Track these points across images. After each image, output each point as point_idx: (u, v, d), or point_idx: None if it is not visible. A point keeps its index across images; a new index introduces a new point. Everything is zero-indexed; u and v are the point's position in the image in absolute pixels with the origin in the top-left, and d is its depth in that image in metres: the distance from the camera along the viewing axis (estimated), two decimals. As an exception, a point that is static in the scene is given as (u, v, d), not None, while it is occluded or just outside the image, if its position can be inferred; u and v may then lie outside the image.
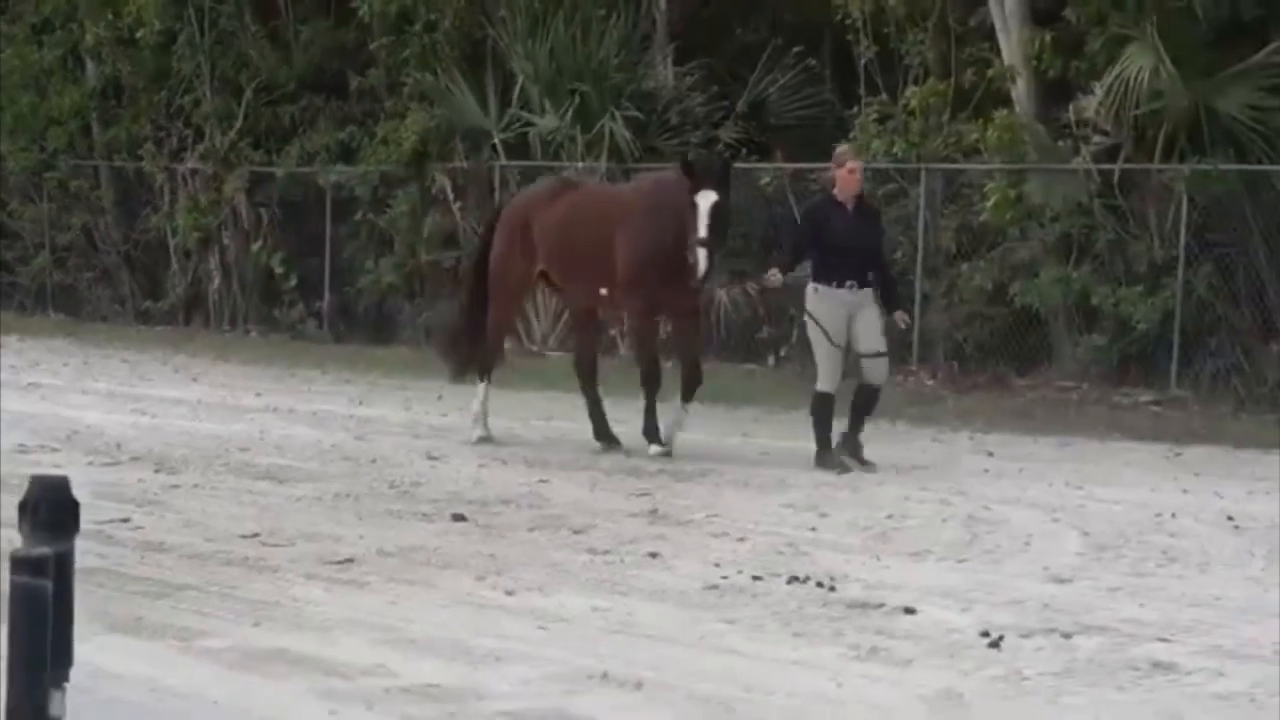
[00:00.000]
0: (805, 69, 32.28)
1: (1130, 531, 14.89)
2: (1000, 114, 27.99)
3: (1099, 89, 26.79)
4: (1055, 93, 28.21)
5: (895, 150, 28.95)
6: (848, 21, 30.41)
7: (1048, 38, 27.66)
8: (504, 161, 34.38)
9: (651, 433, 19.48)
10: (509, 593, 11.92)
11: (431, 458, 18.83)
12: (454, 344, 21.87)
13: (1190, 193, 26.01)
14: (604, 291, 19.89)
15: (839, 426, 18.56)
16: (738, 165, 29.80)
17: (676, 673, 9.79)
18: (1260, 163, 25.86)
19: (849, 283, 18.25)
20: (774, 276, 18.50)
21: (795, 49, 32.13)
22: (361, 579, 12.41)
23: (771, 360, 29.70)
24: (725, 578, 12.51)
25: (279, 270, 38.68)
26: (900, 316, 19.14)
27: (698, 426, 20.39)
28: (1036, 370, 27.49)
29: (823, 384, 18.41)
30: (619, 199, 21.08)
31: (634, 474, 17.80)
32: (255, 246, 39.19)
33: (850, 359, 18.81)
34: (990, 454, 19.96)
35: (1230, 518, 15.59)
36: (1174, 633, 10.99)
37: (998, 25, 28.60)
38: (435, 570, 12.72)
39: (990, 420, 23.46)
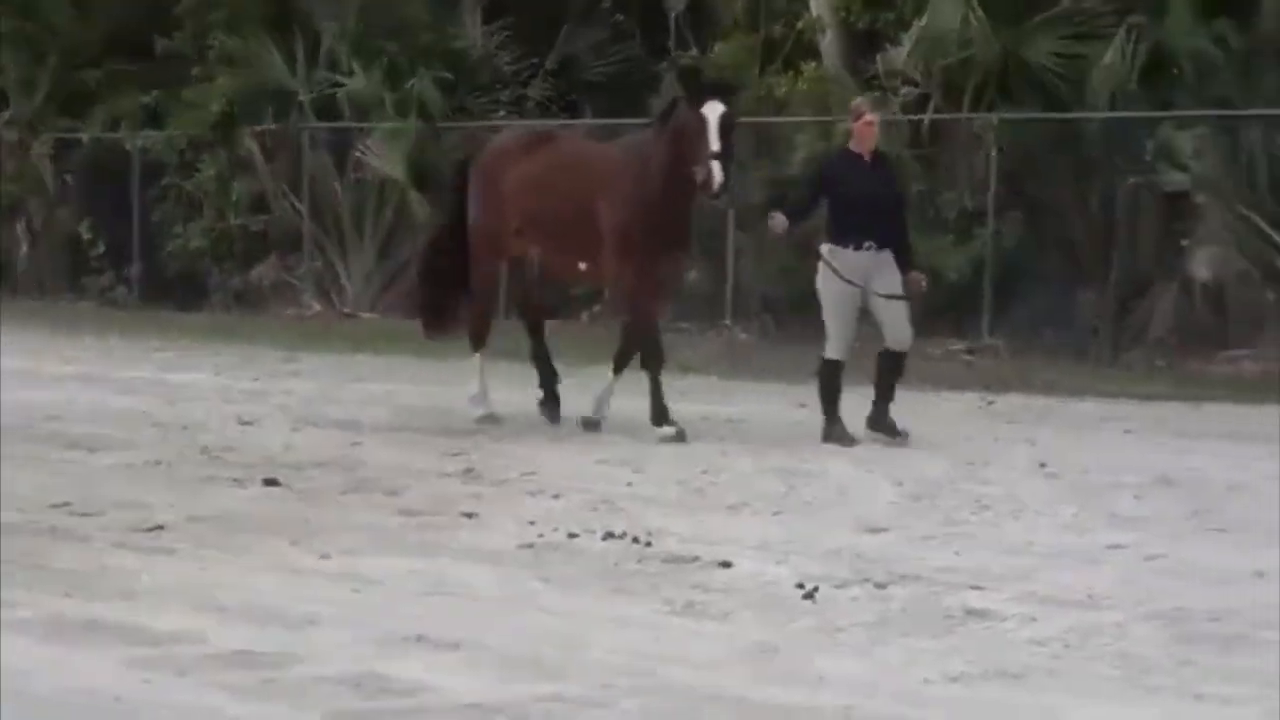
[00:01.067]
0: (614, 25, 32.33)
1: (943, 480, 15.01)
2: (809, 67, 28.26)
3: (907, 40, 27.04)
4: (864, 44, 28.49)
5: (705, 105, 28.93)
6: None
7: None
8: (313, 124, 34.19)
9: (660, 415, 17.51)
10: (323, 557, 11.82)
11: (243, 422, 18.66)
12: (432, 304, 19.77)
13: (999, 142, 26.28)
14: (583, 266, 18.53)
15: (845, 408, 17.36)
16: (549, 121, 30.04)
17: (493, 633, 9.76)
18: (1068, 110, 26.10)
19: (867, 243, 16.87)
20: (778, 220, 17.10)
21: (603, 4, 32.15)
22: (173, 546, 12.24)
23: (585, 317, 29.65)
24: (541, 536, 12.47)
25: (87, 237, 38.39)
26: (915, 277, 17.59)
27: (513, 385, 20.37)
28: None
29: (832, 351, 17.13)
30: (605, 158, 18.74)
31: (448, 434, 17.71)
32: (62, 213, 38.81)
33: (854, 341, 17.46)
34: (803, 406, 19.99)
35: (1042, 464, 15.74)
36: (987, 580, 11.07)
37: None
38: (248, 536, 12.58)
39: (804, 373, 23.51)
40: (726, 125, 16.61)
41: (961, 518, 13.45)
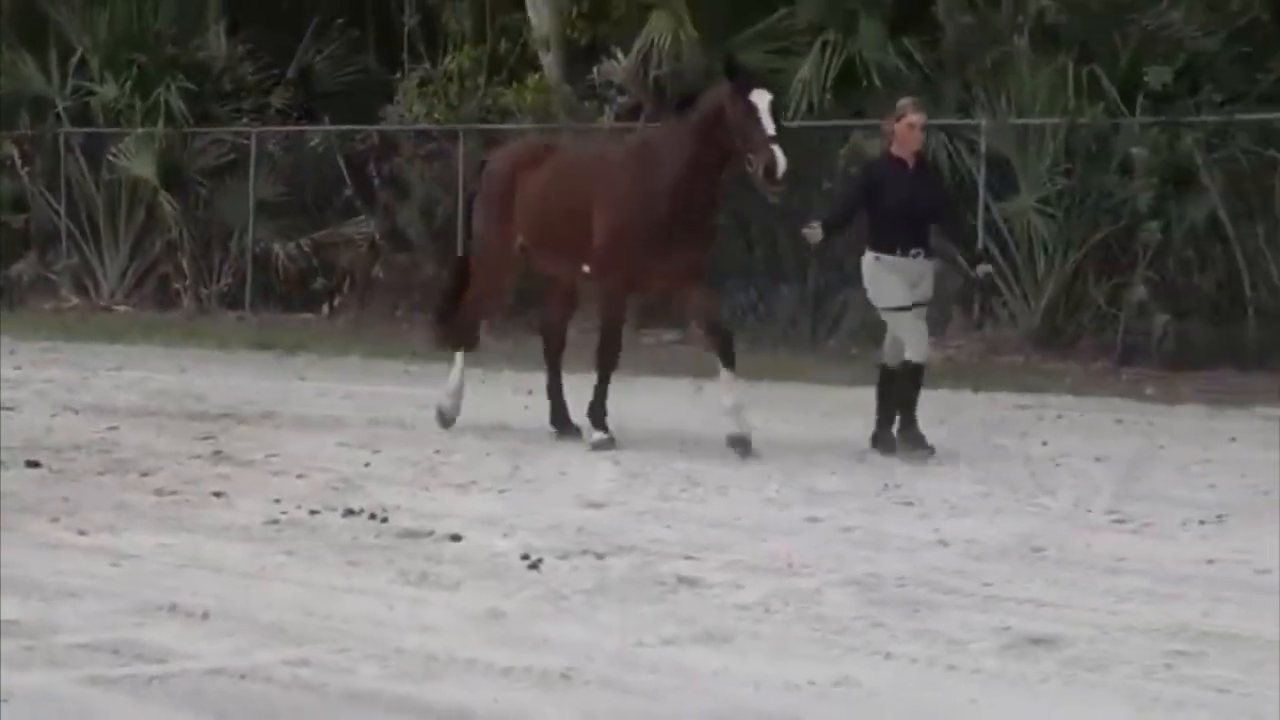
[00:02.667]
0: (349, 39, 32.21)
1: (657, 459, 15.09)
2: (532, 78, 28.36)
3: (624, 54, 27.20)
4: (583, 57, 28.57)
5: (435, 114, 29.00)
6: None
7: (579, 7, 28.20)
8: (68, 129, 33.75)
9: (598, 416, 16.13)
10: (81, 533, 11.73)
11: (5, 408, 18.38)
12: (441, 316, 18.19)
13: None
14: (586, 269, 16.43)
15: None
16: (289, 128, 29.95)
17: (240, 602, 9.72)
18: (777, 117, 26.34)
19: (913, 250, 15.24)
20: (814, 229, 15.47)
21: (339, 20, 32.04)
22: (-62, 525, 12.11)
23: (325, 309, 29.51)
24: (285, 513, 12.45)
25: None
26: (983, 269, 17.31)
27: (259, 372, 20.25)
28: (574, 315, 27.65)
29: (917, 355, 15.42)
30: (602, 161, 17.28)
31: (198, 419, 17.56)
32: None
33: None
34: (530, 392, 20.00)
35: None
36: (697, 550, 11.17)
37: (527, -5, 28.95)
38: (10, 514, 12.39)
39: (530, 361, 23.52)
40: (775, 112, 15.32)
41: (673, 494, 13.54)
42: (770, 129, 14.94)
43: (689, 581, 10.32)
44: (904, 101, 16.04)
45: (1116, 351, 22.94)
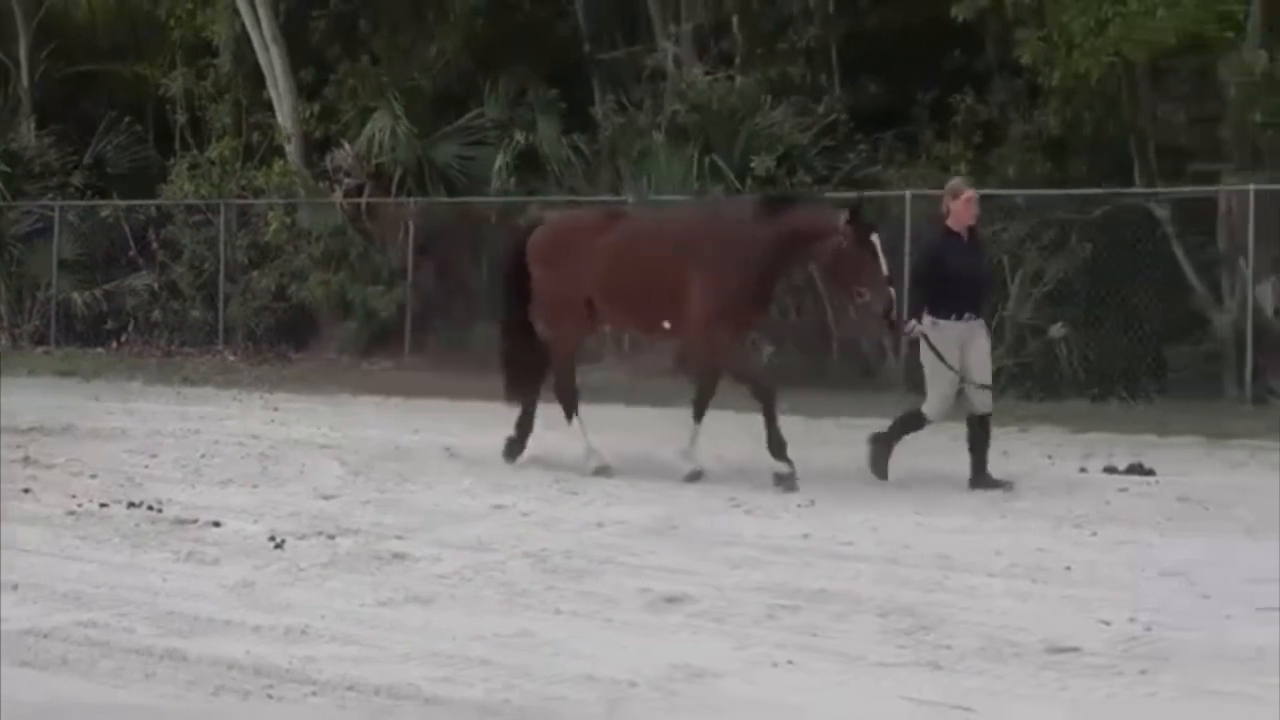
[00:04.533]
0: (133, 132, 31.81)
1: (377, 460, 14.95)
2: (278, 163, 28.36)
3: (350, 145, 27.24)
4: (319, 147, 28.56)
5: (202, 191, 28.83)
6: (166, 95, 31.02)
7: (315, 109, 28.27)
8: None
9: (778, 448, 13.66)
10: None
11: None
12: (513, 370, 15.49)
13: (416, 219, 26.49)
14: (667, 325, 14.49)
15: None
16: (85, 202, 29.49)
17: (44, 577, 9.52)
18: (467, 196, 26.47)
19: (966, 314, 13.57)
20: (915, 326, 13.57)
21: (126, 118, 31.65)
22: None
23: (114, 344, 28.97)
24: (80, 506, 12.17)
25: None
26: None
27: (61, 394, 19.81)
28: (309, 347, 27.56)
29: (933, 414, 13.59)
30: (689, 230, 14.83)
31: (11, 432, 16.99)
32: None
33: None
34: (277, 409, 19.82)
35: (448, 449, 15.77)
36: (407, 532, 11.11)
37: (274, 99, 29.00)
38: None
39: (276, 384, 23.29)
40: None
41: (389, 488, 13.42)
42: (886, 269, 13.23)
43: (400, 556, 10.27)
44: (956, 181, 14.41)
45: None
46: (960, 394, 13.58)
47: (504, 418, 15.04)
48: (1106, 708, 6.85)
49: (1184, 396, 19.51)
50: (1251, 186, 20.21)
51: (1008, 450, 14.77)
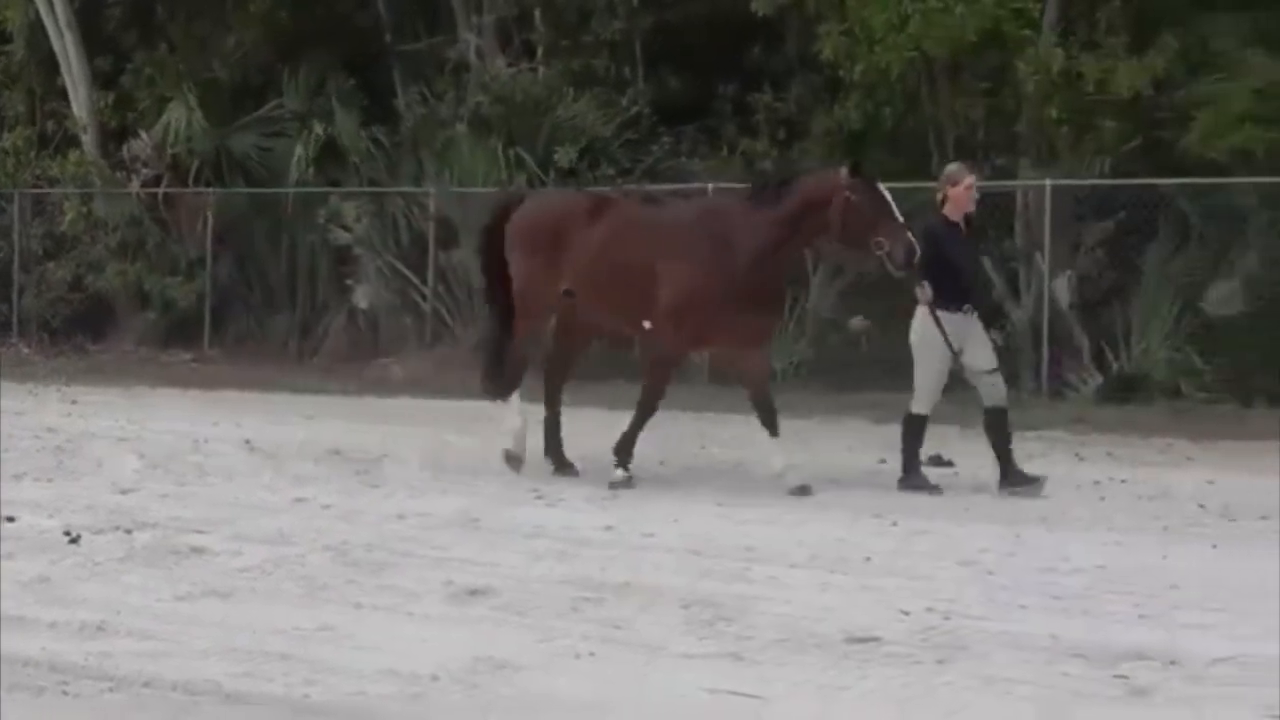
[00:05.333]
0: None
1: (176, 453, 14.77)
2: (74, 153, 27.91)
3: (146, 135, 26.88)
4: (115, 136, 28.11)
5: (-5, 181, 28.51)
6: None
7: (110, 97, 27.93)
8: None
9: (624, 454, 13.23)
10: None
11: None
12: (492, 370, 14.47)
13: (214, 210, 26.22)
14: (647, 325, 13.29)
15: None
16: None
17: None
18: (266, 186, 26.23)
19: (965, 306, 12.99)
20: (928, 290, 12.84)
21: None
22: None
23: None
24: None
25: None
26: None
27: None
28: (107, 339, 27.19)
29: (921, 407, 13.03)
30: (673, 219, 14.07)
31: None
32: None
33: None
34: (74, 402, 19.52)
35: (248, 441, 15.61)
36: (207, 525, 10.96)
37: (69, 87, 28.54)
38: None
39: (73, 376, 22.97)
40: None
41: (188, 481, 13.26)
42: (900, 217, 12.61)
43: (199, 550, 10.13)
44: (955, 167, 13.68)
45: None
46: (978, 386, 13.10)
47: (302, 409, 14.93)
48: (904, 697, 6.93)
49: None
50: (1048, 181, 20.61)
51: (809, 441, 14.91)
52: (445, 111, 24.99)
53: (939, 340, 12.83)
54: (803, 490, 12.76)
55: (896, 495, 12.60)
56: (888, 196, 12.62)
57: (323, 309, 25.75)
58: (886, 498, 12.45)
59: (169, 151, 26.63)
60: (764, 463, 13.33)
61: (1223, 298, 19.60)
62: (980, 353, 13.02)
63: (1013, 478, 12.79)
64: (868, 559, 9.96)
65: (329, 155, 25.95)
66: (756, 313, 13.07)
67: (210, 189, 26.45)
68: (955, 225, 13.14)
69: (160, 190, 26.74)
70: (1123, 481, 13.49)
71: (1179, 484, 12.51)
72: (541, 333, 14.55)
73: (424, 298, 24.54)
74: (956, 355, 12.86)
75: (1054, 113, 20.65)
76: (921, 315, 12.95)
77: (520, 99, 24.35)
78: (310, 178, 25.84)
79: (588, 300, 13.78)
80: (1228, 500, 12.37)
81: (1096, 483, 13.08)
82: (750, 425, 13.62)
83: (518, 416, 13.94)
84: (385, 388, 22.10)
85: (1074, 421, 17.52)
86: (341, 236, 25.12)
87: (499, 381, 14.27)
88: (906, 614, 8.34)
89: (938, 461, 14.24)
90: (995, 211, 21.26)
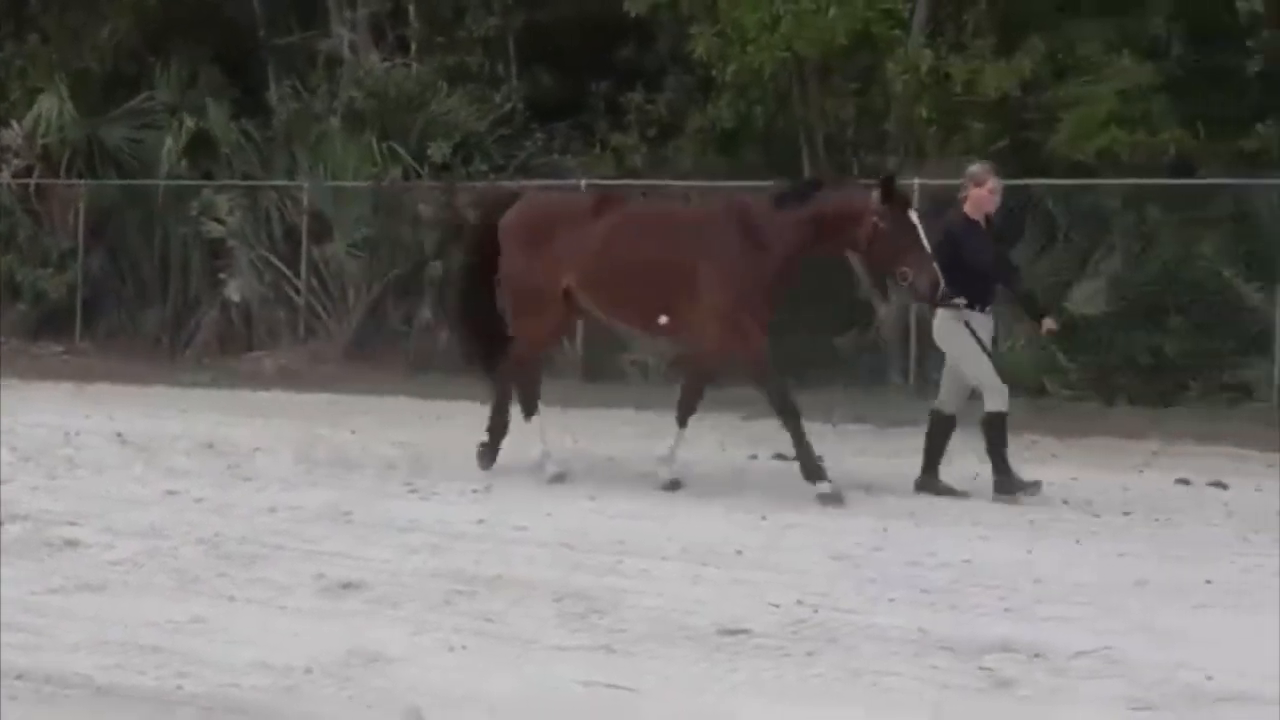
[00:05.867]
0: None
1: (47, 446, 14.60)
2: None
3: (17, 124, 26.56)
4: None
5: None
6: None
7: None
8: None
9: (813, 472, 12.45)
10: None
11: None
12: (477, 343, 14.07)
13: (86, 201, 25.92)
14: (664, 320, 12.91)
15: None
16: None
17: None
18: (137, 178, 25.98)
19: (988, 306, 12.64)
20: (961, 303, 12.43)
21: None
22: None
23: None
24: None
25: None
26: (1048, 324, 13.02)
27: None
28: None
29: (999, 402, 12.40)
30: (699, 221, 13.45)
31: None
32: None
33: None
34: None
35: (120, 434, 15.46)
36: (79, 518, 10.86)
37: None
38: None
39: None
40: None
41: (59, 473, 13.14)
42: (929, 246, 12.18)
43: (71, 543, 10.04)
44: (977, 168, 13.12)
45: (410, 358, 23.04)
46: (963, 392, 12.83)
47: (175, 402, 14.81)
48: (775, 689, 6.97)
49: (852, 385, 19.97)
50: (916, 180, 20.72)
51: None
52: (318, 106, 24.91)
53: (968, 335, 12.45)
54: (675, 485, 12.81)
55: (767, 490, 12.66)
56: (916, 224, 12.20)
57: (195, 302, 25.52)
58: (758, 492, 12.51)
59: (40, 142, 26.33)
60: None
61: (1087, 297, 19.83)
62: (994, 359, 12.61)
63: (1006, 484, 12.34)
64: (739, 552, 10.01)
65: (201, 148, 25.75)
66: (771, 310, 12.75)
67: (82, 180, 26.17)
68: (975, 223, 12.76)
69: (31, 181, 26.44)
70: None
71: (1044, 480, 12.63)
72: (540, 332, 13.73)
73: (297, 291, 24.38)
74: (988, 352, 12.46)
75: (923, 113, 20.86)
76: (946, 315, 12.54)
77: (394, 94, 24.28)
78: (183, 170, 25.65)
79: (592, 297, 13.25)
80: (1090, 496, 12.55)
81: (963, 479, 13.21)
82: (618, 419, 13.68)
83: (541, 438, 13.43)
84: (258, 381, 21.94)
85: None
86: (214, 229, 24.92)
87: (487, 361, 13.82)
88: (777, 607, 8.40)
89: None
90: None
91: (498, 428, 13.69)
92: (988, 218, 12.85)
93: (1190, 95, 20.51)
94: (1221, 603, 8.84)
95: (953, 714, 6.66)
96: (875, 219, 12.21)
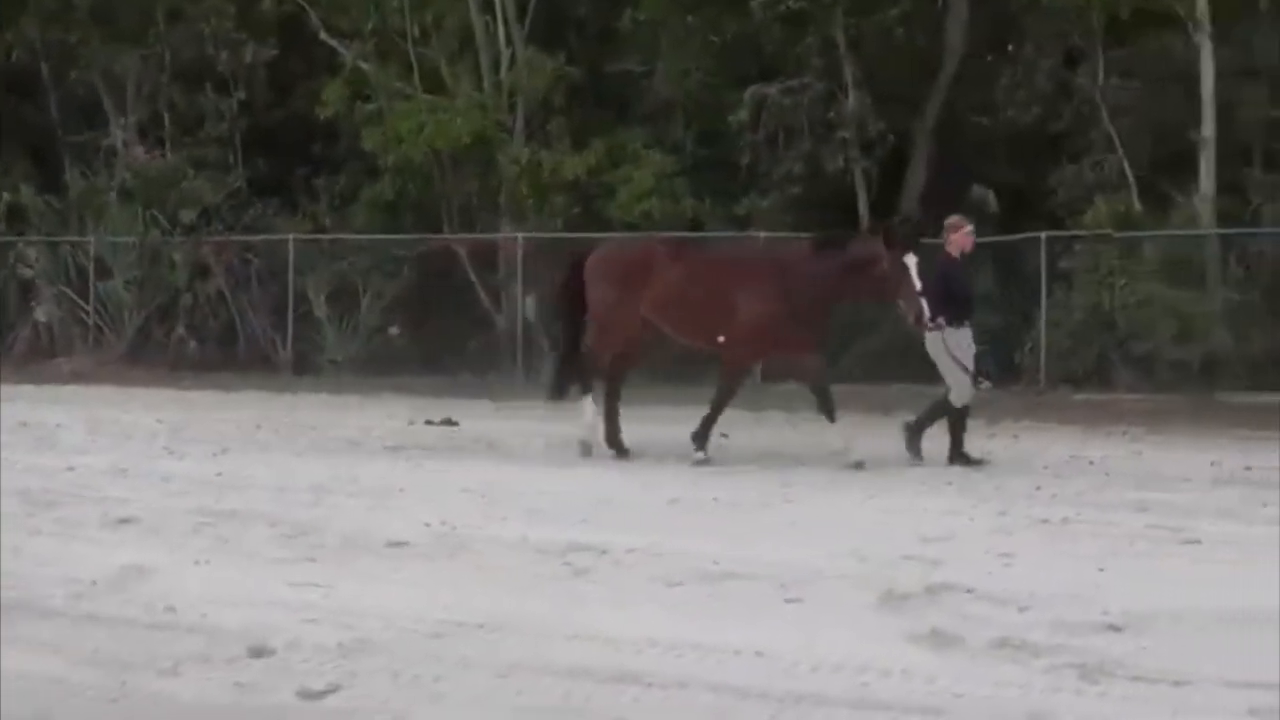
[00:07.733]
0: None
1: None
2: None
3: None
4: None
5: None
6: None
7: None
8: None
9: (701, 439, 11.55)
10: None
11: None
12: (566, 372, 12.49)
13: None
14: (722, 339, 11.51)
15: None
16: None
17: None
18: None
19: (967, 322, 11.57)
20: (941, 324, 11.31)
21: None
22: None
23: None
24: None
25: None
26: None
27: None
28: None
29: (962, 399, 11.45)
30: (750, 261, 12.84)
31: None
32: None
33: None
34: None
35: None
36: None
37: None
38: None
39: None
40: (920, 271, 11.26)
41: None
42: (919, 284, 11.08)
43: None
44: (956, 218, 12.07)
45: (169, 362, 22.31)
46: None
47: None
48: (428, 582, 6.89)
49: (479, 374, 20.20)
50: (520, 235, 21.18)
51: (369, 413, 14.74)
52: (101, 184, 24.13)
53: (957, 344, 11.50)
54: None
55: (423, 444, 12.58)
56: (911, 268, 11.08)
57: (12, 325, 24.36)
58: (416, 446, 12.42)
59: None
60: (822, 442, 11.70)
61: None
62: (964, 357, 11.55)
63: (959, 458, 11.45)
64: (401, 490, 9.90)
65: (15, 214, 24.49)
66: (809, 330, 11.45)
67: None
68: (957, 261, 11.83)
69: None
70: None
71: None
72: (619, 349, 12.15)
73: (87, 315, 23.41)
74: (964, 366, 11.49)
75: (523, 189, 21.29)
76: (930, 336, 11.45)
77: (155, 176, 23.69)
78: (3, 230, 24.40)
79: (668, 323, 11.95)
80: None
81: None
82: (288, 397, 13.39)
83: (591, 414, 12.06)
84: (59, 379, 20.95)
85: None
86: (26, 272, 24.04)
87: (564, 389, 12.50)
88: (428, 525, 8.33)
89: (449, 422, 14.22)
90: (486, 255, 21.73)
91: (613, 431, 12.06)
92: (964, 255, 11.98)
93: (700, 177, 21.21)
94: (730, 513, 9.07)
95: (548, 594, 6.70)
96: (883, 264, 11.18)
